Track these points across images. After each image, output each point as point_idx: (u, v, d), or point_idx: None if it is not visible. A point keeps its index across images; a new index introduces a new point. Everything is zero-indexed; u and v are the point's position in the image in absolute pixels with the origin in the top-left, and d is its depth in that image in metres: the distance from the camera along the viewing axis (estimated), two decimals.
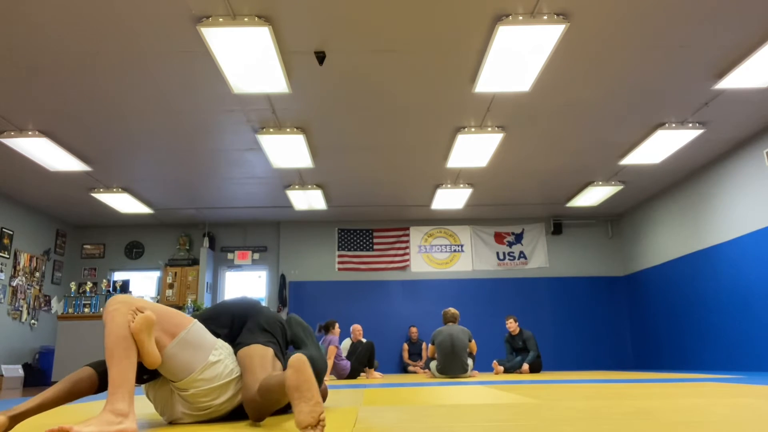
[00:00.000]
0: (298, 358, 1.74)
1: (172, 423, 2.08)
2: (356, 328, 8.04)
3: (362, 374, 7.47)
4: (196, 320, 2.08)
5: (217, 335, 2.17)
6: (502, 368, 7.53)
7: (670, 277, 8.41)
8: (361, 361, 7.40)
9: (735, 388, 3.51)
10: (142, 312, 1.84)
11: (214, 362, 1.99)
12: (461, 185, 8.06)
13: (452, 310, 7.10)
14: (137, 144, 6.47)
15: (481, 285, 9.79)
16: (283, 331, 2.35)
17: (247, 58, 4.45)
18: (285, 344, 2.34)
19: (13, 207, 8.35)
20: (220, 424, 2.01)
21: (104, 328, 1.83)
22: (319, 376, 2.49)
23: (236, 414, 2.09)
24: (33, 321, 8.70)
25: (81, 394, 1.93)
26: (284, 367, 2.15)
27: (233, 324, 2.27)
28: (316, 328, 7.49)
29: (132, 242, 10.06)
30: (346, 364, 7.33)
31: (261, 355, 2.08)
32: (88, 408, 2.94)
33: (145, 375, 2.00)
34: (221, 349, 2.06)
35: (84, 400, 3.73)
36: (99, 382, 1.95)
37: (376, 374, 7.50)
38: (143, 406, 2.77)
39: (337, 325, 7.53)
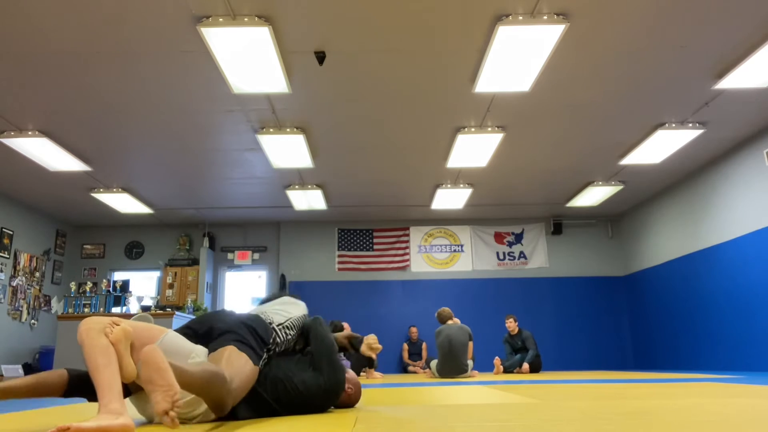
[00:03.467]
0: (145, 352, 1.72)
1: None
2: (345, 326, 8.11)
3: (362, 374, 7.48)
4: (170, 330, 2.13)
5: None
6: (502, 367, 7.53)
7: (670, 277, 8.42)
8: (361, 361, 7.41)
9: (735, 388, 3.51)
10: (118, 325, 1.92)
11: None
12: (461, 185, 8.06)
13: (446, 309, 7.10)
14: (137, 144, 6.48)
15: (481, 285, 9.79)
16: (251, 329, 2.27)
17: (247, 58, 4.45)
18: (259, 340, 2.26)
19: (13, 207, 8.35)
20: (211, 424, 2.01)
21: (82, 347, 1.87)
22: (325, 397, 2.42)
23: (225, 416, 2.09)
24: (33, 321, 8.70)
25: (47, 390, 1.99)
26: (256, 363, 2.16)
27: (211, 330, 2.25)
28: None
29: (132, 242, 10.07)
30: (346, 363, 7.34)
31: (226, 355, 2.07)
32: (88, 408, 2.94)
33: (131, 386, 2.05)
34: (199, 357, 2.09)
35: (84, 400, 3.73)
36: (68, 384, 2.01)
37: (376, 374, 7.51)
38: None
39: (347, 326, 7.76)
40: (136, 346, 1.95)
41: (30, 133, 5.94)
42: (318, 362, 2.39)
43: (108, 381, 1.78)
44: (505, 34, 4.24)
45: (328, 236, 9.97)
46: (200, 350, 2.11)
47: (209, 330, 2.24)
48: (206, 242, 9.70)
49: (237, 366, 2.02)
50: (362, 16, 4.16)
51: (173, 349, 2.04)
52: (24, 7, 3.93)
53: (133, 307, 7.81)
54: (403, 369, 9.20)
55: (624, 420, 1.97)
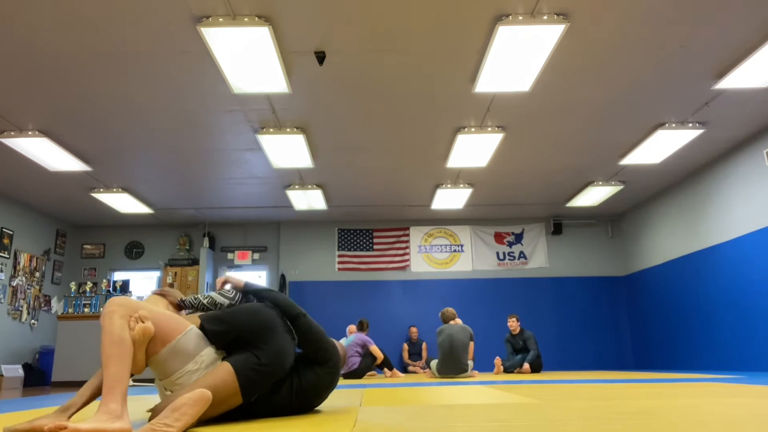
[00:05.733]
0: (200, 395, 1.79)
1: None
2: (351, 329, 8.24)
3: (368, 374, 7.59)
4: (191, 327, 2.08)
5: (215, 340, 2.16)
6: (502, 367, 7.54)
7: (670, 277, 8.42)
8: (368, 363, 7.54)
9: (735, 388, 3.51)
10: (143, 321, 1.88)
11: (193, 371, 2.01)
12: (461, 185, 8.06)
13: (451, 309, 7.13)
14: (137, 144, 6.47)
15: (481, 285, 9.79)
16: (285, 362, 2.20)
17: (247, 58, 4.45)
18: (281, 373, 2.20)
19: (13, 207, 8.35)
20: (214, 425, 2.01)
21: (101, 329, 1.86)
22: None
23: (226, 416, 2.09)
24: (33, 321, 8.70)
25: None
26: (246, 399, 2.08)
27: (238, 340, 2.15)
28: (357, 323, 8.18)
29: (132, 242, 10.06)
30: (356, 360, 7.44)
31: (222, 376, 2.00)
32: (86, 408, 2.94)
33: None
34: (205, 356, 2.05)
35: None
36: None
37: (399, 374, 7.77)
38: (136, 407, 2.77)
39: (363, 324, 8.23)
40: (155, 339, 1.93)
41: (30, 133, 5.94)
42: (320, 357, 2.38)
43: (114, 377, 1.76)
44: (505, 34, 4.24)
45: (328, 236, 9.98)
46: (207, 356, 2.06)
47: (253, 337, 2.15)
48: (206, 242, 9.70)
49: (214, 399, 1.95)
50: (362, 16, 4.16)
51: (187, 349, 2.01)
52: (24, 8, 3.93)
53: None
54: (403, 369, 9.21)
55: (624, 420, 1.97)
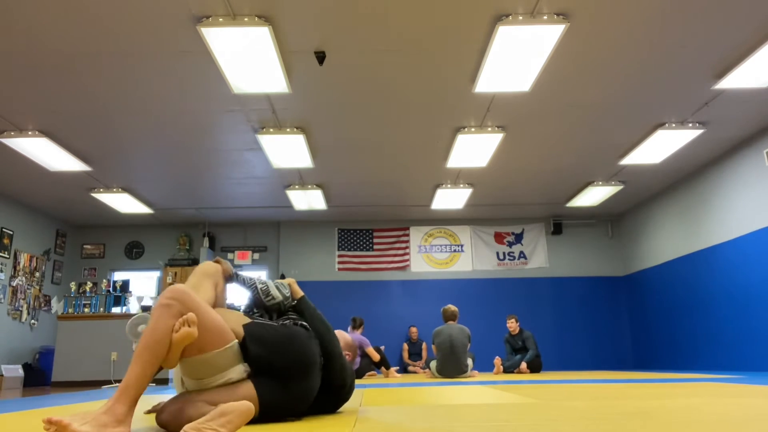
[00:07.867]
0: (247, 407, 1.72)
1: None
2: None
3: (367, 374, 7.60)
4: (233, 343, 1.95)
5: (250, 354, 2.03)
6: (502, 367, 7.54)
7: (670, 277, 8.42)
8: (367, 363, 7.57)
9: (735, 388, 3.51)
10: (189, 325, 1.80)
11: (218, 382, 1.95)
12: (461, 185, 8.06)
13: (452, 307, 7.11)
14: (137, 144, 6.48)
15: (481, 285, 9.79)
16: (309, 401, 2.12)
17: (247, 58, 4.45)
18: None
19: (13, 207, 8.35)
20: None
21: (150, 317, 1.83)
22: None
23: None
24: (33, 321, 8.70)
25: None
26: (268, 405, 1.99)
27: (272, 366, 2.01)
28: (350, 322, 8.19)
29: (132, 242, 10.07)
30: (356, 361, 7.47)
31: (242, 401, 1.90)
32: (87, 407, 2.94)
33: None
34: (233, 373, 1.97)
35: (84, 400, 3.74)
36: None
37: (396, 374, 7.76)
38: (137, 407, 2.77)
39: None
40: (193, 344, 1.85)
41: (30, 133, 5.94)
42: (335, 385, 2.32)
43: (135, 378, 1.72)
44: (505, 34, 4.24)
45: (328, 236, 9.98)
46: (235, 374, 1.96)
47: (291, 370, 2.03)
48: (206, 242, 9.70)
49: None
50: (362, 16, 4.16)
51: (219, 364, 1.93)
52: (24, 7, 3.93)
53: (133, 307, 7.81)
54: (403, 369, 9.22)
55: (624, 420, 1.97)
